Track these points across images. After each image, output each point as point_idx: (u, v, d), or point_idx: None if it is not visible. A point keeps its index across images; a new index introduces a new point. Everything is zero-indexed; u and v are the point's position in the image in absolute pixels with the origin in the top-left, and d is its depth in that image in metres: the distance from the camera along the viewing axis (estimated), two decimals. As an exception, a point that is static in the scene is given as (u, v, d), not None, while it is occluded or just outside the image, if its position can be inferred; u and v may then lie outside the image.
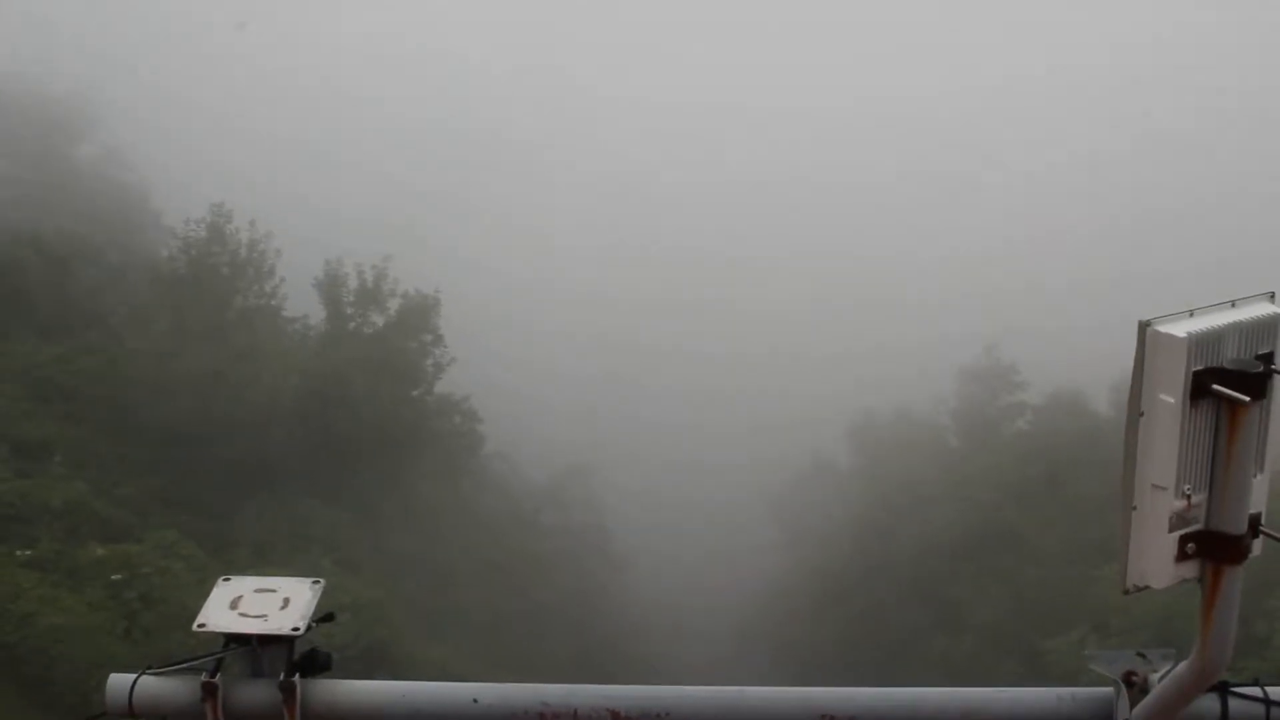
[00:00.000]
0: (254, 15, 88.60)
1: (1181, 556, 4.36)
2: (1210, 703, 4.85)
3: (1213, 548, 4.36)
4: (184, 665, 5.03)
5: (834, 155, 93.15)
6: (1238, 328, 4.33)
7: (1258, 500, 4.38)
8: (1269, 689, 4.89)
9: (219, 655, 5.02)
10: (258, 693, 5.02)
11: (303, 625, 5.01)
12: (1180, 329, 4.23)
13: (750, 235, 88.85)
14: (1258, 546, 4.42)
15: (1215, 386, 4.20)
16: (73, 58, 68.80)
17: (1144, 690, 4.88)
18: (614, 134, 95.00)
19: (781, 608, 63.78)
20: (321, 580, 5.24)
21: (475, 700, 5.04)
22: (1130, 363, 4.29)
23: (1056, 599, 47.02)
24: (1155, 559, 4.33)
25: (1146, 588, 4.41)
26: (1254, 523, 4.37)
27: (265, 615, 5.02)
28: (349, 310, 55.18)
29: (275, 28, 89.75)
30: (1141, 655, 4.94)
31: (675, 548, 67.97)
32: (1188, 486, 4.26)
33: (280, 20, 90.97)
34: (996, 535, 53.47)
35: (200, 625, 5.03)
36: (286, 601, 5.08)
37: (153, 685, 5.02)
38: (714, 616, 63.71)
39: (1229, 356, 4.28)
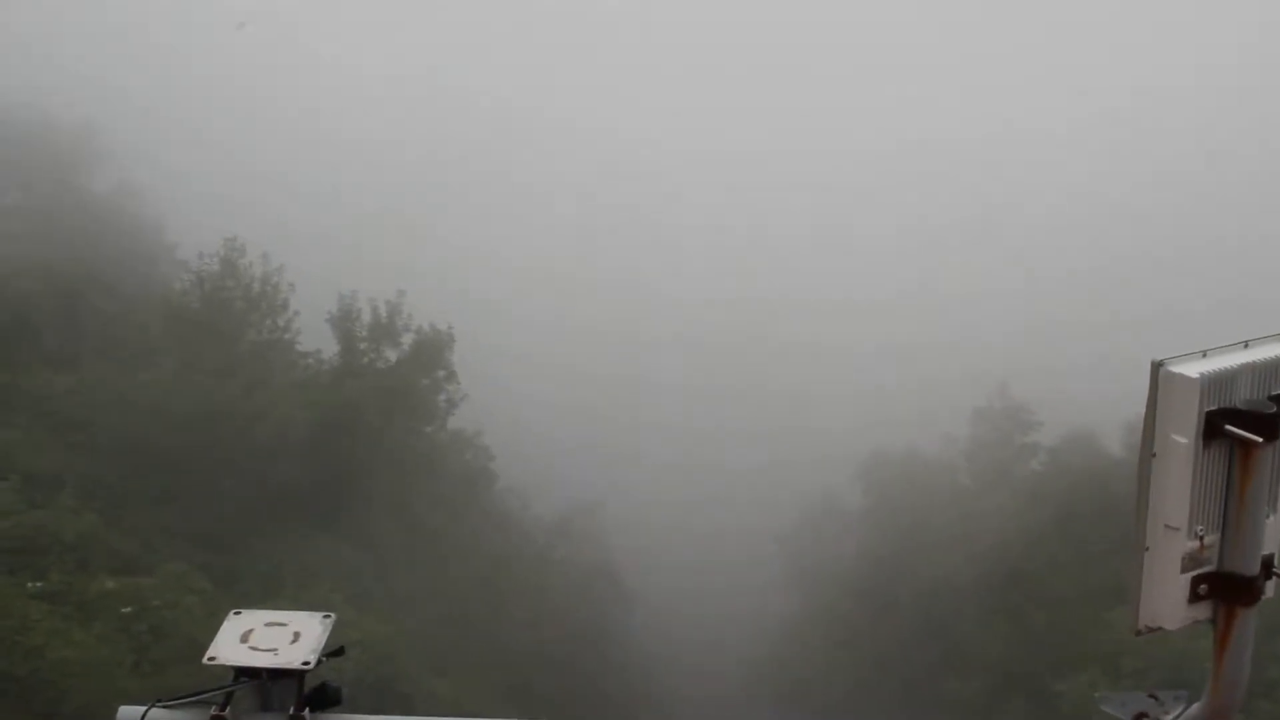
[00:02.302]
0: (261, 49, 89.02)
1: (1194, 598, 4.34)
2: (1223, 745, 4.82)
3: (1225, 589, 4.35)
4: (194, 698, 5.02)
5: (844, 197, 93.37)
6: (1251, 368, 4.33)
7: (1271, 542, 4.37)
8: (1281, 732, 4.87)
9: (229, 688, 5.01)
10: (268, 726, 5.02)
11: (313, 659, 5.01)
12: (1193, 369, 4.23)
13: (761, 274, 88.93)
14: (1271, 588, 4.40)
15: (1228, 427, 4.20)
16: (85, 91, 69.10)
17: (1156, 732, 4.85)
18: (626, 172, 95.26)
19: (791, 646, 63.58)
20: (332, 614, 5.23)
21: (485, 736, 5.03)
22: (1144, 403, 4.29)
23: (1068, 640, 46.84)
24: (1167, 600, 4.32)
25: (1159, 629, 4.39)
26: (1267, 564, 4.36)
27: (275, 649, 5.02)
28: (362, 345, 55.23)
29: (282, 66, 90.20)
30: (1153, 697, 4.92)
31: (684, 585, 67.81)
32: (1200, 527, 4.25)
33: (287, 58, 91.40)
34: (1008, 576, 53.29)
35: (211, 658, 5.03)
36: (297, 635, 5.07)
37: (163, 719, 5.01)
38: (724, 654, 63.53)
39: (1242, 397, 4.27)
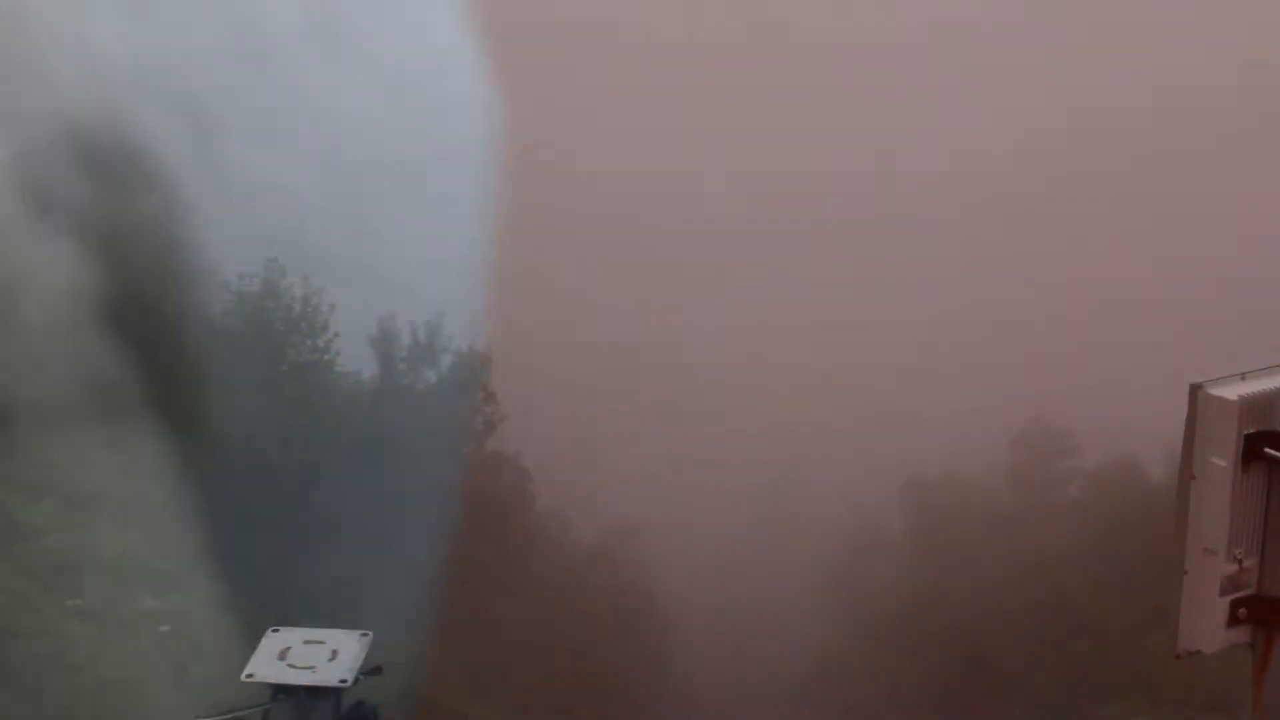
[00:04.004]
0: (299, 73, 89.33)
1: (1233, 621, 4.31)
2: (1262, 771, 4.77)
3: (1264, 613, 4.31)
4: (231, 715, 5.04)
5: (885, 220, 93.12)
6: (1290, 391, 4.30)
7: (1311, 566, 4.33)
8: (1321, 758, 4.82)
9: (266, 706, 5.03)
10: (304, 743, 5.02)
11: (350, 677, 5.02)
12: (1232, 392, 4.20)
13: (799, 300, 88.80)
14: (1312, 614, 4.36)
15: (1268, 450, 4.17)
16: (130, 111, 69.44)
17: (1195, 757, 4.82)
18: (657, 191, 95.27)
19: (834, 672, 63.32)
20: (370, 633, 5.25)
21: (521, 756, 5.03)
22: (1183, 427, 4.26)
23: (1110, 667, 46.57)
24: (1206, 624, 4.28)
25: (1198, 653, 4.36)
26: (1308, 590, 4.31)
27: (313, 667, 5.03)
28: (401, 366, 55.37)
29: (321, 92, 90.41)
30: (1192, 722, 4.89)
31: (725, 609, 67.64)
32: (1239, 551, 4.21)
33: (324, 83, 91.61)
34: (1049, 602, 53.02)
35: (249, 675, 5.05)
36: (335, 654, 5.09)
37: (200, 735, 5.02)
38: (765, 681, 63.29)
39: (1282, 419, 4.24)
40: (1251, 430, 4.18)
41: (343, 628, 5.35)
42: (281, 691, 5.04)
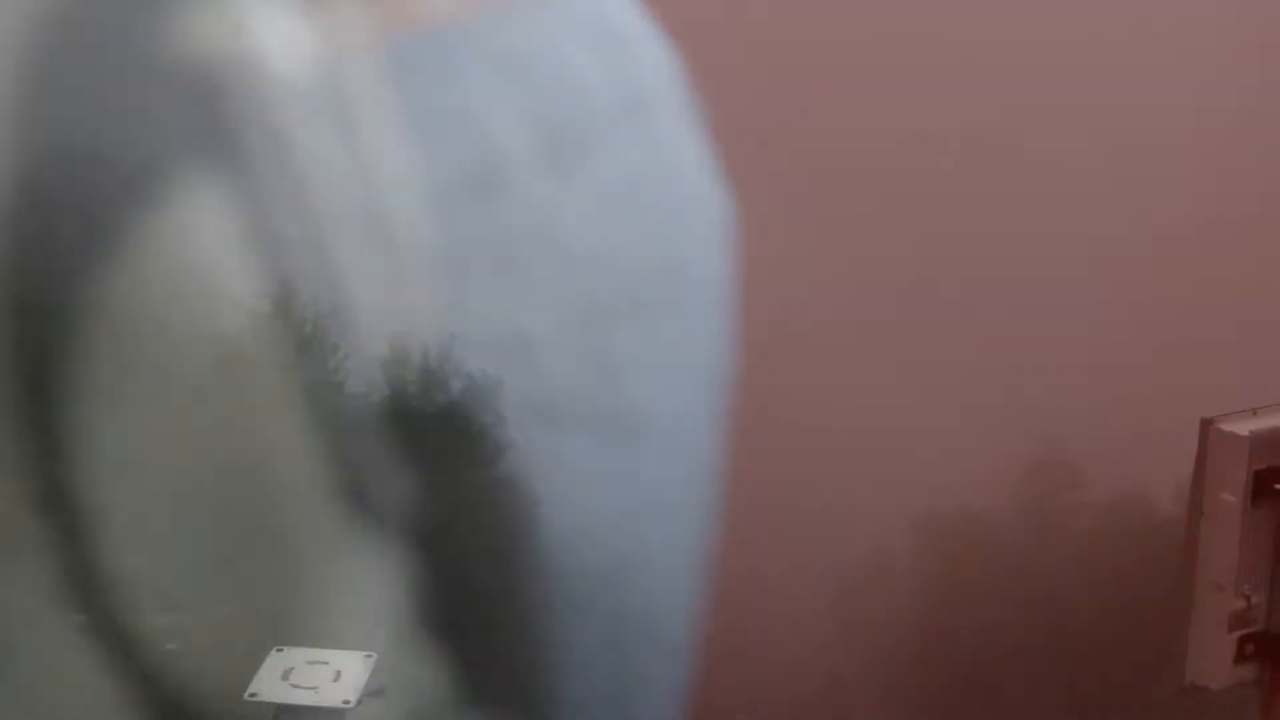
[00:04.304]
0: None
1: (1240, 658, 4.30)
2: (1268, 810, 4.75)
3: (1272, 650, 4.30)
4: (233, 735, 5.04)
5: (911, 243, 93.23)
6: (1302, 427, 4.29)
7: (1320, 604, 4.32)
8: (1328, 798, 4.80)
9: (268, 725, 5.02)
10: (306, 765, 4.99)
11: (354, 698, 5.01)
12: (1243, 427, 4.20)
13: (813, 336, 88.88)
14: (1320, 651, 4.34)
15: (1278, 487, 4.16)
16: (138, 132, 69.71)
17: (1201, 796, 4.79)
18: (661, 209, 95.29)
19: (841, 705, 63.45)
20: (374, 654, 5.24)
21: (523, 781, 5.00)
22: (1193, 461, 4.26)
23: (1116, 701, 46.61)
24: (1214, 660, 4.28)
25: (1205, 689, 4.35)
26: (1316, 627, 4.30)
27: (316, 687, 5.02)
28: (411, 389, 55.38)
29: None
30: (1199, 759, 4.86)
31: (731, 634, 67.59)
32: (1247, 587, 4.20)
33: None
34: (1058, 636, 53.07)
35: (251, 695, 5.04)
36: (338, 674, 5.08)
37: (202, 754, 4.99)
38: (771, 713, 63.38)
39: (1292, 456, 4.23)
40: (1262, 467, 4.19)
41: (347, 649, 5.34)
42: (284, 712, 5.02)
